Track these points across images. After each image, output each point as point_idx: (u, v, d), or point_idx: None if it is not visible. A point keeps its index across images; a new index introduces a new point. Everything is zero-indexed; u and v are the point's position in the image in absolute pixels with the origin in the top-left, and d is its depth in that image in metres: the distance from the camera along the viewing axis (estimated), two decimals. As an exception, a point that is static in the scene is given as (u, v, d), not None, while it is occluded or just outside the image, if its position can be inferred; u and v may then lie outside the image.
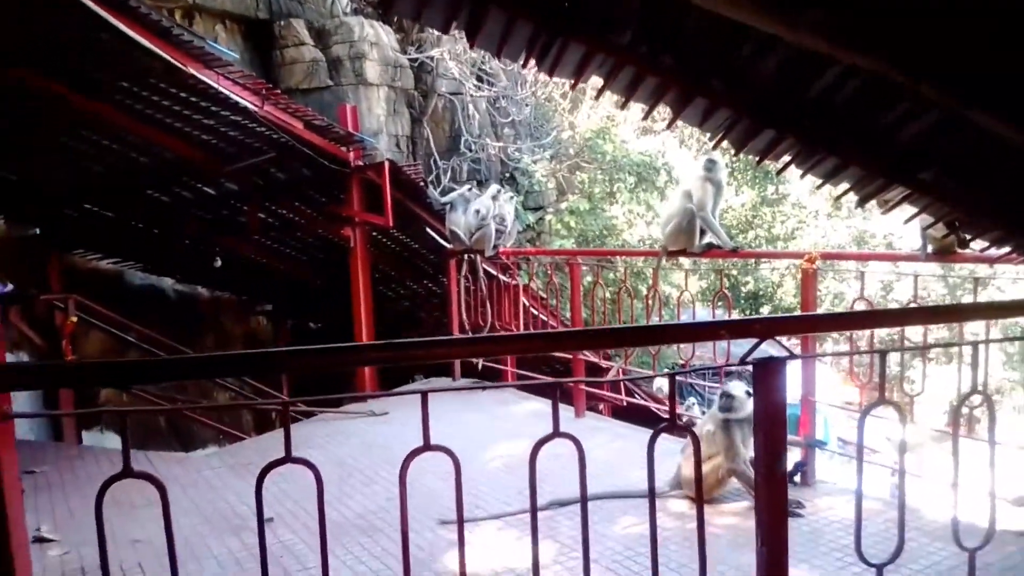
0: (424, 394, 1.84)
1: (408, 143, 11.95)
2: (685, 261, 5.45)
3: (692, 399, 12.73)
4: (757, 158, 2.82)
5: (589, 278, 7.82)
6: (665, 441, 5.65)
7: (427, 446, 1.83)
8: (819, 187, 2.88)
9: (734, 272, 16.45)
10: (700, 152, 17.50)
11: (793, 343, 5.05)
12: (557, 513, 3.95)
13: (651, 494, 2.06)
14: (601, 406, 7.53)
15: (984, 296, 15.45)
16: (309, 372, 5.84)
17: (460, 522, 1.89)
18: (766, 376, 2.00)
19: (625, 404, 7.87)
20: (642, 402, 8.30)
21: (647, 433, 6.13)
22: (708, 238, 5.05)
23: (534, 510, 1.90)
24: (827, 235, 18.51)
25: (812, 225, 18.93)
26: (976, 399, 2.30)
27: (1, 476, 1.55)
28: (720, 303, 6.08)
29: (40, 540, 3.77)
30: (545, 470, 4.51)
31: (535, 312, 7.34)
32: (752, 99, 2.61)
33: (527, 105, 13.39)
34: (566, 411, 5.98)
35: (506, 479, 4.42)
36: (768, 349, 2.04)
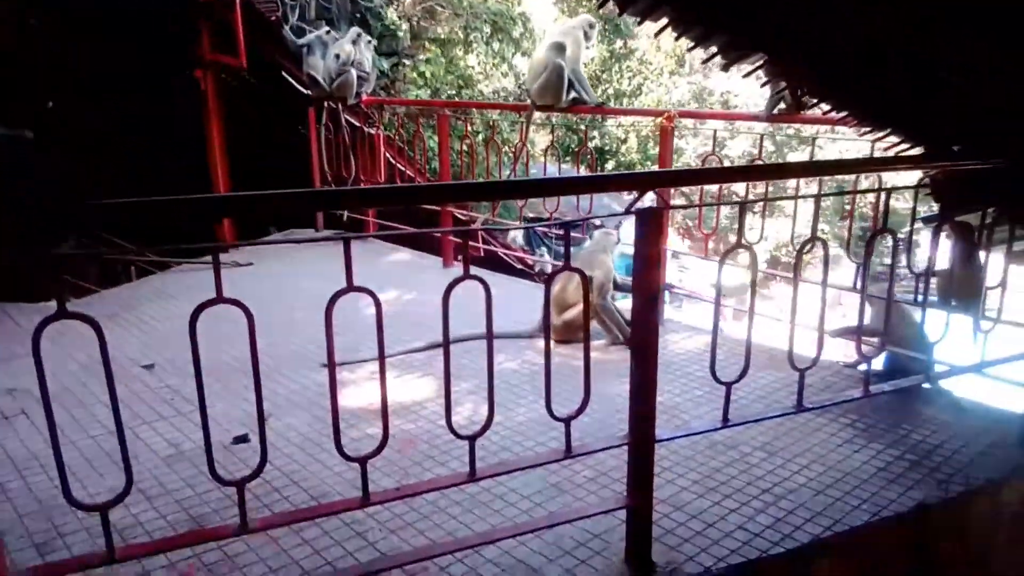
0: (347, 241, 1.95)
1: (251, -24, 11.00)
2: (538, 116, 5.61)
3: (542, 249, 13.38)
4: (638, 18, 2.99)
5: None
6: (529, 288, 6.03)
7: (350, 287, 1.97)
8: (690, 50, 3.10)
9: (582, 127, 16.86)
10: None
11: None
12: (435, 354, 4.24)
13: (546, 332, 2.31)
14: (459, 256, 7.81)
15: (807, 153, 16.81)
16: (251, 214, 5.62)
17: (382, 358, 2.06)
18: (649, 224, 2.26)
19: (483, 253, 8.22)
20: (500, 251, 8.69)
21: (513, 280, 6.50)
22: (574, 94, 5.22)
23: (446, 344, 2.10)
24: (670, 92, 19.21)
25: (656, 82, 19.53)
26: (808, 246, 2.70)
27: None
28: (568, 158, 6.36)
29: None
30: (424, 315, 4.79)
31: (392, 162, 7.34)
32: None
33: (379, -59, 12.58)
34: (435, 260, 6.20)
35: (386, 324, 4.64)
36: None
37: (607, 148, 18.10)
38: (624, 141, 18.73)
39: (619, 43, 18.23)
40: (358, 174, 6.86)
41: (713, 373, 2.50)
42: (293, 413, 3.51)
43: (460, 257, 6.39)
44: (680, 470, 3.06)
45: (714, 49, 3.04)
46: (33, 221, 1.96)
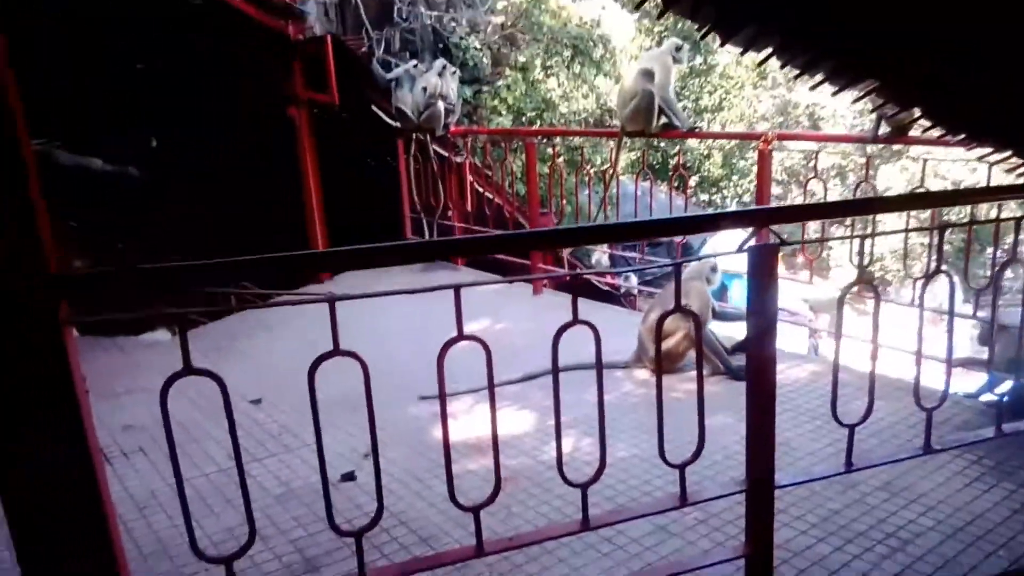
0: (456, 288, 1.94)
1: (337, 12, 11.35)
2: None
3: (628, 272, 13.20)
4: (741, 50, 2.90)
5: (524, 155, 7.87)
6: (621, 315, 5.96)
7: (460, 336, 1.95)
8: (796, 78, 3.00)
9: (662, 144, 16.63)
10: (639, 19, 17.28)
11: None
12: (529, 386, 4.21)
13: (658, 377, 2.25)
14: (545, 282, 7.80)
15: (898, 166, 16.07)
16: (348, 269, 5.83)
17: (492, 395, 2.04)
18: (762, 260, 2.18)
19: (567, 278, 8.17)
20: (585, 274, 8.62)
21: (603, 307, 6.44)
22: (664, 119, 5.15)
23: (556, 386, 2.07)
24: (753, 106, 18.80)
25: (739, 96, 19.16)
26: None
27: (73, 381, 1.60)
28: (647, 177, 6.20)
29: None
30: (516, 346, 4.77)
31: (480, 189, 7.39)
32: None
33: (460, -29, 12.80)
34: (524, 289, 6.19)
35: (476, 357, 4.65)
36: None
37: (689, 165, 17.82)
38: (707, 157, 18.42)
39: (699, 59, 17.98)
40: (446, 203, 6.93)
41: (835, 414, 2.38)
42: (394, 448, 3.53)
43: (547, 285, 6.38)
44: (796, 512, 2.93)
45: (821, 76, 2.93)
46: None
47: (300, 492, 3.14)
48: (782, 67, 2.98)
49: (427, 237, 6.97)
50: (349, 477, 3.22)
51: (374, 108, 7.40)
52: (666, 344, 4.26)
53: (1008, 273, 2.86)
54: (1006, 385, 3.01)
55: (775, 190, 18.91)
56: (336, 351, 1.86)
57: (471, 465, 3.33)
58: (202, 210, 9.07)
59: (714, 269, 4.38)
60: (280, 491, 3.16)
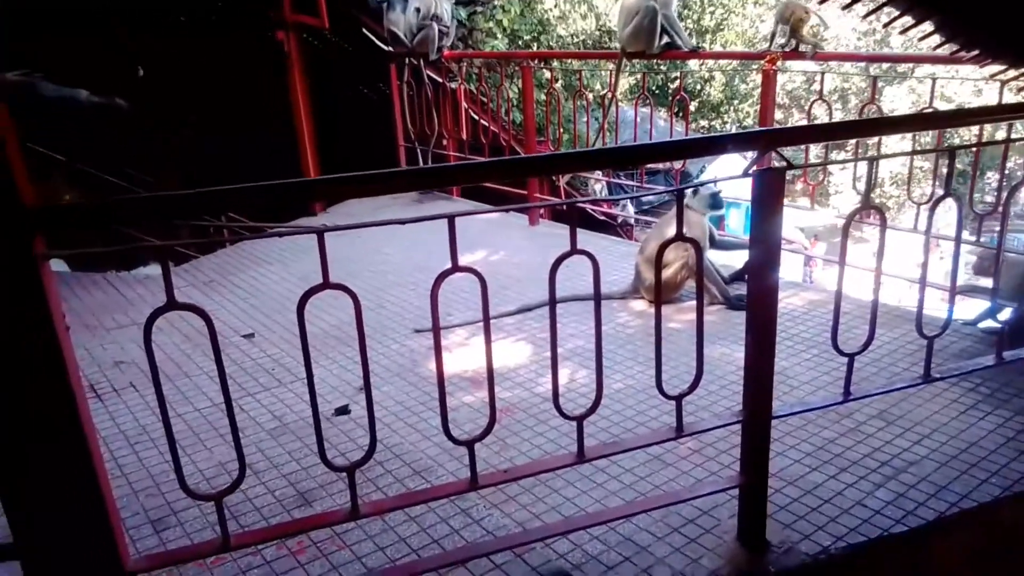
0: (451, 218, 1.87)
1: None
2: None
3: (625, 201, 13.08)
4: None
5: (520, 81, 7.65)
6: (618, 245, 5.90)
7: (455, 268, 1.88)
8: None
9: (662, 67, 16.23)
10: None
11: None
12: (525, 317, 4.17)
13: (657, 311, 2.20)
14: (541, 212, 7.70)
15: (905, 87, 15.70)
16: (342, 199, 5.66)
17: (487, 328, 1.98)
18: (769, 186, 2.09)
19: (565, 209, 8.05)
20: (586, 206, 8.50)
21: (599, 237, 6.37)
22: (666, 39, 4.97)
23: (553, 322, 2.02)
24: (755, 25, 18.30)
25: (740, 15, 18.62)
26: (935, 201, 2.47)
27: (51, 317, 1.55)
28: (646, 102, 6.02)
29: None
30: (512, 277, 4.70)
31: (475, 117, 7.21)
32: None
33: None
34: (520, 219, 6.10)
35: (472, 288, 4.61)
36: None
37: (689, 88, 17.44)
38: (708, 81, 18.02)
39: (699, -23, 17.42)
40: (441, 130, 6.77)
41: (835, 344, 2.34)
42: (389, 381, 3.51)
43: (544, 215, 6.28)
44: (791, 441, 2.92)
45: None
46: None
47: (294, 426, 3.12)
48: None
49: (422, 165, 6.83)
50: (343, 411, 3.20)
51: (365, 31, 7.16)
52: (664, 273, 4.20)
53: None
54: (1007, 312, 2.97)
55: (776, 115, 18.62)
56: (326, 284, 1.79)
57: (466, 398, 3.32)
58: (192, 140, 8.92)
59: (715, 196, 4.28)
60: (273, 425, 3.14)
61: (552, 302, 2.02)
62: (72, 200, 7.36)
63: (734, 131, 17.63)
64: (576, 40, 13.90)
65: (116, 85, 8.28)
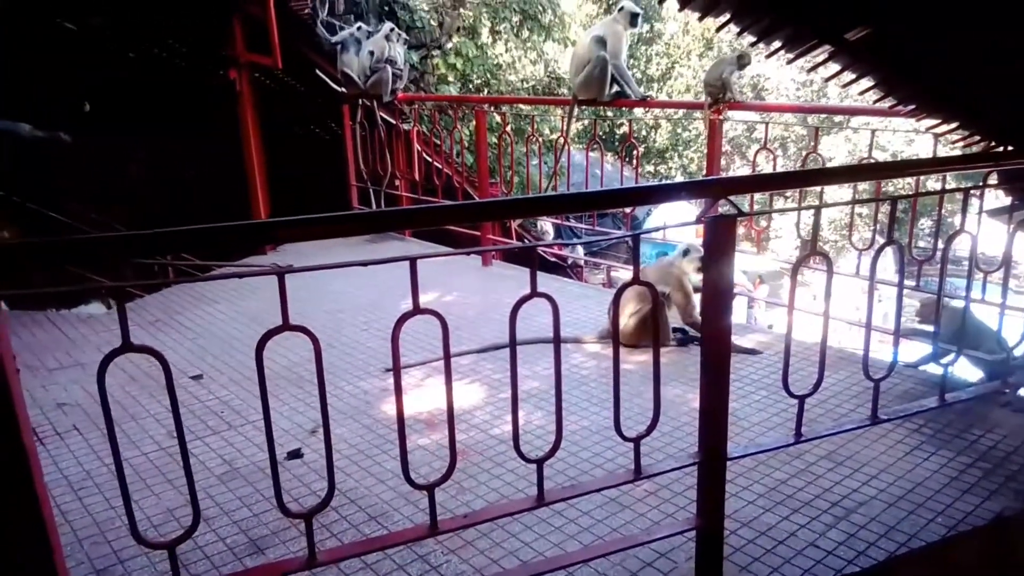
0: (413, 260, 1.87)
1: (278, -29, 10.95)
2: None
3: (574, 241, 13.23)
4: (699, 14, 2.86)
5: (473, 124, 7.74)
6: (571, 286, 5.93)
7: (417, 310, 1.88)
8: (753, 44, 2.98)
9: (609, 114, 16.62)
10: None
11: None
12: (480, 358, 4.17)
13: (615, 338, 2.23)
14: (493, 253, 7.75)
15: (841, 137, 16.31)
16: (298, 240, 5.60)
17: (448, 370, 1.98)
18: (720, 233, 2.16)
19: (517, 251, 8.13)
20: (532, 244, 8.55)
21: (552, 279, 6.39)
22: (616, 88, 5.10)
23: (513, 364, 2.03)
24: (699, 76, 18.92)
25: (685, 65, 19.24)
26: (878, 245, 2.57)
27: (2, 361, 1.49)
28: (595, 147, 6.16)
29: None
30: (467, 317, 4.70)
31: (427, 158, 7.26)
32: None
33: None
34: (474, 260, 6.12)
35: (426, 329, 4.60)
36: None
37: (637, 135, 17.88)
38: (654, 127, 18.50)
39: (645, 27, 17.96)
40: (394, 171, 6.79)
41: (786, 386, 2.39)
42: (342, 424, 3.45)
43: (496, 256, 6.32)
44: (743, 482, 2.96)
45: (777, 43, 2.92)
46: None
47: (244, 471, 3.04)
48: (739, 34, 2.96)
49: (374, 206, 6.82)
50: (295, 455, 3.13)
51: (318, 72, 7.17)
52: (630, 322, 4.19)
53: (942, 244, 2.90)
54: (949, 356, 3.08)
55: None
56: (286, 326, 1.77)
57: (422, 440, 3.29)
58: (139, 176, 8.74)
59: (687, 252, 4.30)
60: (223, 470, 3.05)
61: (512, 345, 2.03)
62: (11, 237, 7.13)
63: (679, 177, 18.09)
64: (526, 86, 14.16)
65: (60, 119, 8.11)
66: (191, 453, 3.17)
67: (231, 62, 6.55)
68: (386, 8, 11.90)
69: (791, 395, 2.40)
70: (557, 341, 2.07)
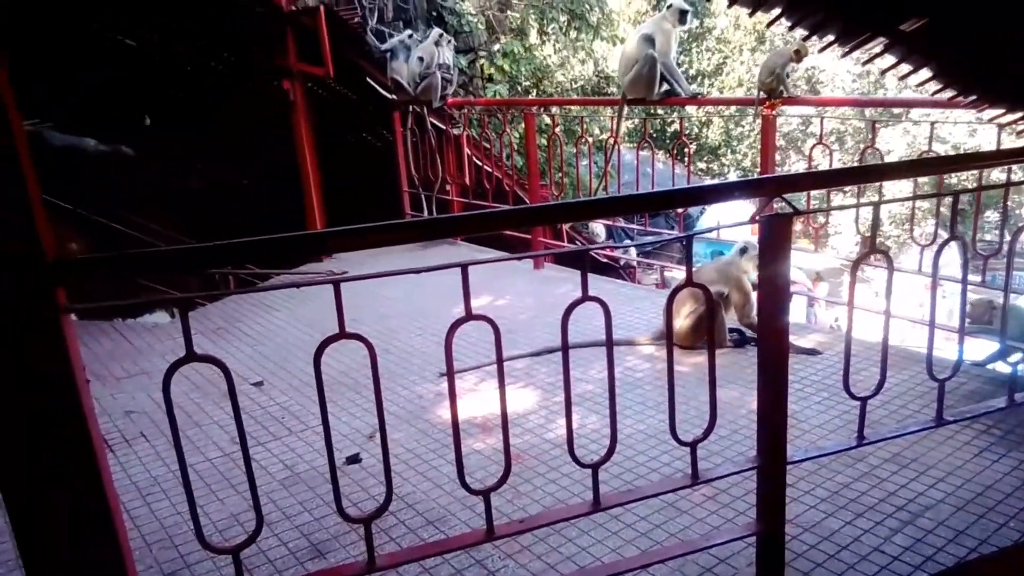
0: (464, 267, 1.89)
1: (329, -19, 11.14)
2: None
3: (626, 242, 13.15)
4: (748, 10, 2.83)
5: (522, 126, 7.75)
6: (623, 288, 5.90)
7: (469, 316, 1.90)
8: (806, 38, 2.93)
9: (660, 112, 16.47)
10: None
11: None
12: (534, 362, 4.17)
13: (669, 340, 2.21)
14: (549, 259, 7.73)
15: (899, 129, 15.90)
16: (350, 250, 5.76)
17: (501, 375, 1.99)
18: (776, 231, 2.12)
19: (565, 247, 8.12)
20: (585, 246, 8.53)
21: (604, 280, 6.37)
22: (666, 86, 5.06)
23: (566, 367, 2.03)
24: (751, 71, 18.61)
25: (737, 60, 18.94)
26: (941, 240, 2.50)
27: (72, 370, 1.56)
28: (646, 146, 6.10)
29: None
30: (519, 321, 4.71)
31: (478, 162, 7.30)
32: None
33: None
34: (525, 263, 6.13)
35: (479, 333, 4.62)
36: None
37: (688, 132, 17.66)
38: (706, 124, 18.26)
39: (695, 22, 17.74)
40: (444, 175, 6.85)
41: (847, 388, 2.34)
42: (399, 429, 3.49)
43: (547, 258, 6.31)
44: (805, 486, 2.90)
45: (830, 37, 2.86)
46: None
47: (305, 476, 3.10)
48: (791, 28, 2.91)
49: (426, 212, 6.89)
50: (354, 460, 3.18)
51: (369, 80, 7.28)
52: (687, 322, 4.14)
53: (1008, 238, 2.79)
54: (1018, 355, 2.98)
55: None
56: (342, 334, 1.80)
57: (476, 444, 3.30)
58: (197, 187, 9.01)
59: (744, 250, 4.25)
60: (284, 475, 3.12)
61: (565, 347, 2.03)
62: (78, 248, 7.41)
63: (732, 174, 17.81)
64: (575, 86, 14.12)
65: (123, 133, 8.41)
66: (253, 459, 3.24)
67: (285, 73, 6.69)
68: (434, 14, 12.02)
69: (852, 397, 2.34)
70: (610, 344, 2.06)
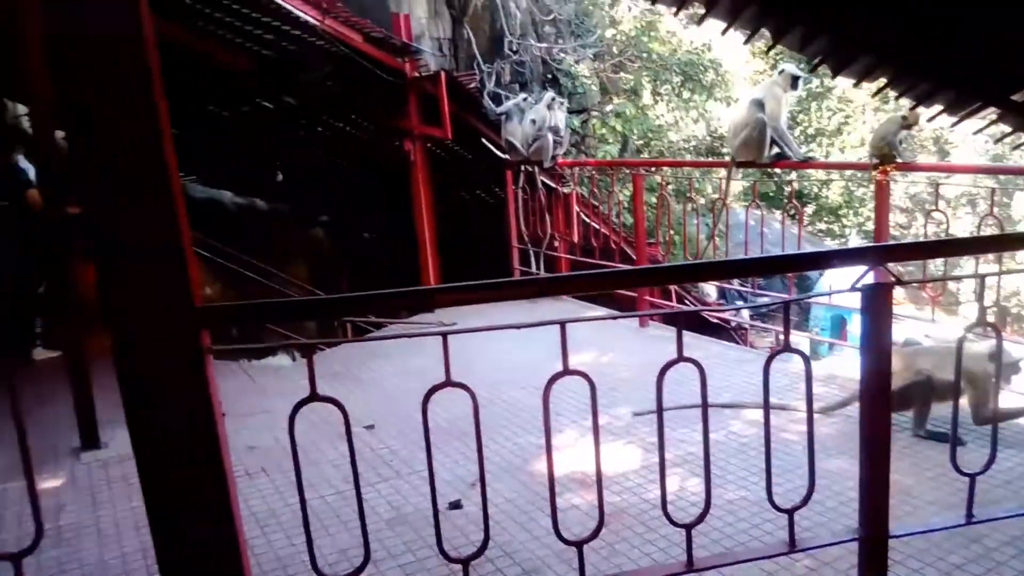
0: (563, 325, 1.99)
1: (450, 46, 11.76)
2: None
3: (738, 303, 12.90)
4: (854, 81, 2.86)
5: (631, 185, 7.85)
6: (730, 351, 5.82)
7: (566, 371, 2.00)
8: (913, 108, 2.92)
9: (777, 171, 16.21)
10: (753, 46, 16.96)
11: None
12: (637, 421, 4.19)
13: (765, 405, 2.23)
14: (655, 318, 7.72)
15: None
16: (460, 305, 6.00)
17: (596, 431, 2.07)
18: (876, 300, 2.13)
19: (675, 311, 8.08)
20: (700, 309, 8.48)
21: (712, 342, 6.31)
22: (776, 149, 5.07)
23: (660, 430, 2.09)
24: (874, 130, 18.07)
25: (859, 119, 18.46)
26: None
27: (212, 404, 1.75)
28: (760, 205, 6.06)
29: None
30: (621, 379, 4.74)
31: (586, 220, 7.44)
32: (852, 26, 2.64)
33: (569, 1, 13.02)
34: (630, 320, 6.17)
35: (582, 389, 4.68)
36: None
37: (805, 192, 17.27)
38: (826, 184, 17.79)
39: (816, 82, 17.47)
40: (553, 232, 7.03)
41: (955, 463, 2.28)
42: (499, 478, 3.59)
43: (654, 316, 6.32)
44: (915, 564, 2.78)
45: (939, 107, 2.85)
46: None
47: (410, 517, 3.24)
48: (897, 98, 2.92)
49: (534, 267, 7.07)
50: (456, 505, 3.30)
51: (484, 141, 7.61)
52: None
53: None
54: None
55: (899, 218, 18.05)
56: (448, 382, 1.94)
57: (575, 499, 3.36)
58: (320, 237, 9.58)
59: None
60: (390, 516, 3.27)
61: (660, 408, 2.08)
62: (212, 293, 8.01)
63: (854, 236, 17.20)
64: (688, 145, 14.17)
65: (256, 188, 9.09)
66: (363, 498, 3.42)
67: (406, 133, 7.10)
68: (549, 76, 12.42)
69: (960, 472, 2.28)
70: (705, 406, 2.10)
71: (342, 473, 3.66)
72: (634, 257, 6.85)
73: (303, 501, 1.90)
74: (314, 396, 1.87)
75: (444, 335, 1.98)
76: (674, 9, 2.59)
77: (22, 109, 7.76)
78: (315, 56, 6.51)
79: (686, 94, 13.70)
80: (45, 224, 4.19)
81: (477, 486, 3.41)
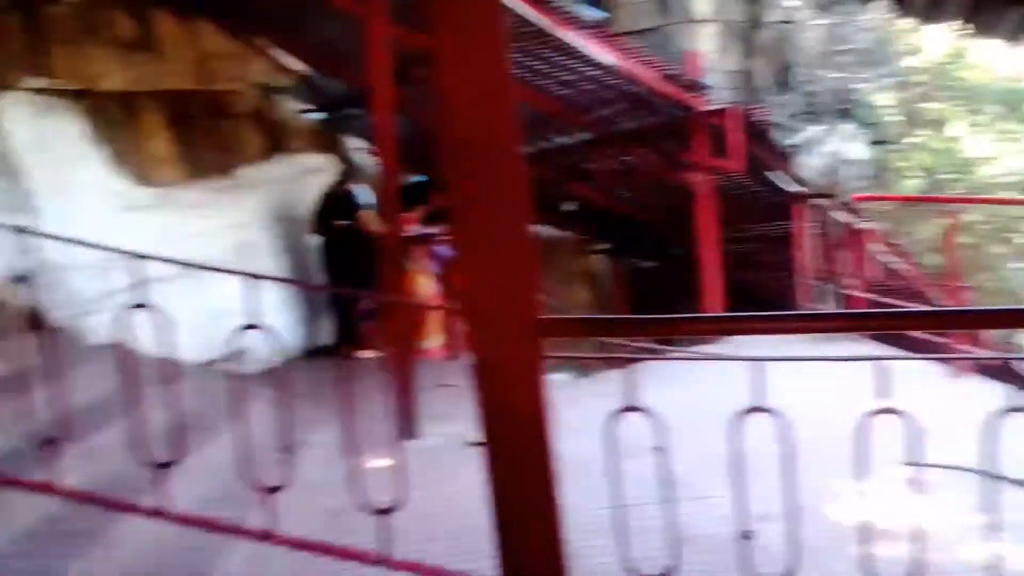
0: (879, 361, 1.96)
1: (739, 79, 11.62)
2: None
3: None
4: None
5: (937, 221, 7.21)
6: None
7: (883, 410, 1.96)
8: None
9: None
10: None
11: None
12: (950, 476, 3.85)
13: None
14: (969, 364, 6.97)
15: None
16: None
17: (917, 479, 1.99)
18: None
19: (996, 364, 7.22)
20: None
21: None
22: None
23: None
24: None
25: None
26: None
27: (543, 409, 1.97)
28: None
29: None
30: (935, 430, 4.37)
31: (885, 258, 6.98)
32: None
33: (869, 29, 12.25)
34: (940, 370, 5.66)
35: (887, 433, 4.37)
36: None
37: None
38: None
39: None
40: (847, 270, 6.69)
41: None
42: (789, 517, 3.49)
43: (972, 368, 5.72)
44: None
45: None
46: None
47: (699, 539, 3.29)
48: None
49: (827, 304, 6.78)
50: (747, 536, 3.29)
51: (772, 173, 7.48)
52: None
53: None
54: None
55: None
56: (760, 407, 2.00)
57: (876, 550, 3.18)
58: (601, 264, 9.95)
59: None
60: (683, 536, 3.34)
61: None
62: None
63: None
64: (1006, 181, 12.62)
65: (548, 218, 9.69)
66: (651, 516, 3.53)
67: (695, 167, 7.20)
68: (843, 107, 11.78)
69: None
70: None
71: (626, 488, 3.78)
72: (940, 300, 6.31)
73: (617, 506, 2.05)
74: (631, 407, 2.02)
75: (757, 361, 2.05)
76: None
77: (351, 145, 9.03)
78: (612, 94, 6.85)
79: (1003, 124, 12.26)
80: (382, 242, 4.86)
81: (768, 520, 3.37)
